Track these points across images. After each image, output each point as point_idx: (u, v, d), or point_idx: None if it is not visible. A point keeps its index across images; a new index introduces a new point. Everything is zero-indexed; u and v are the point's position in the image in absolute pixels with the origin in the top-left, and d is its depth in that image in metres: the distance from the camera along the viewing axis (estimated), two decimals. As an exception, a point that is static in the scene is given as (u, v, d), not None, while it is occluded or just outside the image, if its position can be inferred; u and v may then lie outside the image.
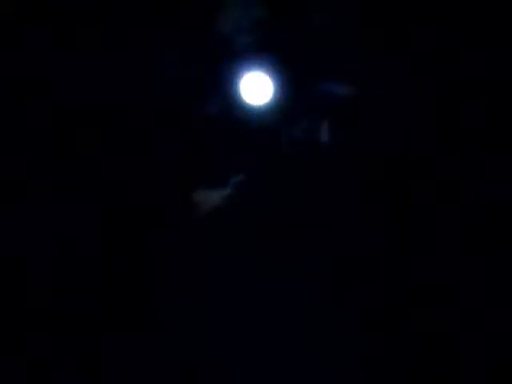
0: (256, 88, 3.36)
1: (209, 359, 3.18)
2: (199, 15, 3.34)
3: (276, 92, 3.34)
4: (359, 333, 3.22)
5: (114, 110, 3.31)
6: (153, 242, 3.28)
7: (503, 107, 3.28)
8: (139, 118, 3.32)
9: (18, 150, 3.27)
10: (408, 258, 3.25)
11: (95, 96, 3.30)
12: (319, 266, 3.27)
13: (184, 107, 3.36)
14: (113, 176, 3.30)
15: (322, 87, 3.33)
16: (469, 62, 3.26)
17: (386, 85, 3.31)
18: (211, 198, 3.33)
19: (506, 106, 3.28)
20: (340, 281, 3.27)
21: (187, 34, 3.33)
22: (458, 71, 3.28)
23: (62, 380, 3.12)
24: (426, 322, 3.20)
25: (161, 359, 3.18)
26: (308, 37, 3.31)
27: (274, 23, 3.29)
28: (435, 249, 3.24)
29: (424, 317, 3.20)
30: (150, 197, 3.32)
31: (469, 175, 3.27)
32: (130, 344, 3.18)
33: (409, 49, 3.30)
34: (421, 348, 3.18)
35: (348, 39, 3.30)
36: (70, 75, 3.30)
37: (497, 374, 3.10)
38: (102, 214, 3.26)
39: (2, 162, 3.26)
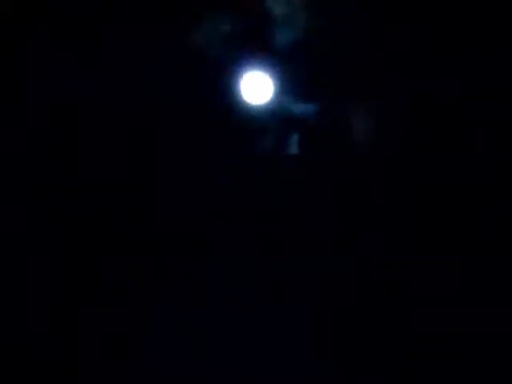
0: (256, 88, 3.35)
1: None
2: (198, 14, 3.34)
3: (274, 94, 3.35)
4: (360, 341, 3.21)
5: (113, 111, 3.31)
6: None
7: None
8: (138, 118, 3.33)
9: (16, 150, 3.29)
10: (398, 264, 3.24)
11: (91, 97, 3.31)
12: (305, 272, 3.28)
13: (184, 107, 3.36)
14: (109, 177, 3.31)
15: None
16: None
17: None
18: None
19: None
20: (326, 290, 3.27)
21: (187, 34, 3.33)
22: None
23: None
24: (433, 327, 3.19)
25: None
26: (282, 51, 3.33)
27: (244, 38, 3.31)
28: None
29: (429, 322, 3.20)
30: (145, 198, 3.32)
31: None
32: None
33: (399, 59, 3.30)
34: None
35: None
36: (69, 75, 3.31)
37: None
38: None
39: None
